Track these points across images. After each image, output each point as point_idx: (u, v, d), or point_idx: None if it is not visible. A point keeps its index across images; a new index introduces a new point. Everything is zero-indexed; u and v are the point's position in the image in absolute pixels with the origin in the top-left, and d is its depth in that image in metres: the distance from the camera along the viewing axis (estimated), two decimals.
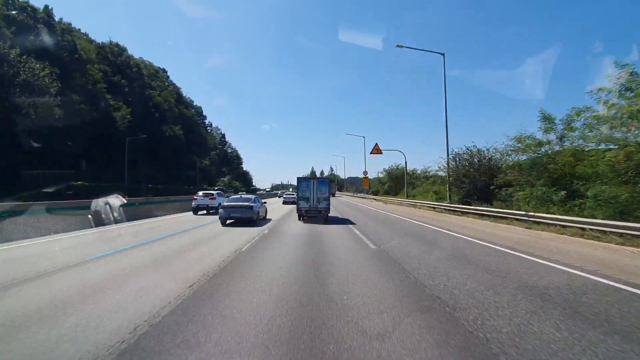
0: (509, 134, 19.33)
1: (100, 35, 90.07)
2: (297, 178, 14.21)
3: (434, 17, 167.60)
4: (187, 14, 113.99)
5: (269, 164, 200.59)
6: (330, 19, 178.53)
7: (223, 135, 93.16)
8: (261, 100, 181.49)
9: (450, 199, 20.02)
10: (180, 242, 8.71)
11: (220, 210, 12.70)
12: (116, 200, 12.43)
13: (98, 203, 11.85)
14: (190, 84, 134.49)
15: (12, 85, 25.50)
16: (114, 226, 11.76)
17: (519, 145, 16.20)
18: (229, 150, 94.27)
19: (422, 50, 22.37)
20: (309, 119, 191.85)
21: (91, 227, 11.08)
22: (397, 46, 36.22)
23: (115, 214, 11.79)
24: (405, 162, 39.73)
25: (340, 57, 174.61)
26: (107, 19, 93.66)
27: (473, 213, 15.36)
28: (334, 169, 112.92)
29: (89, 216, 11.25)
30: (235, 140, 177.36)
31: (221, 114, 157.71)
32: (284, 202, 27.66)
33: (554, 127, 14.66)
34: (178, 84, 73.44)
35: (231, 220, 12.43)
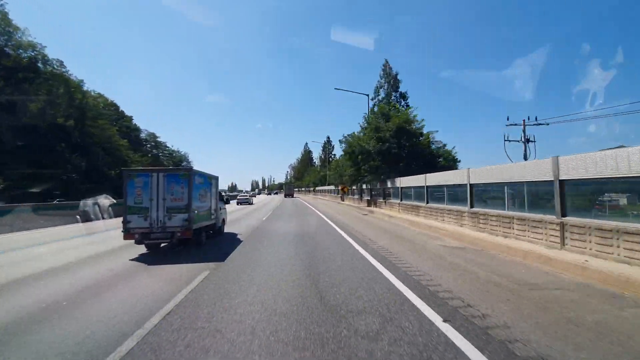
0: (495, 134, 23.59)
1: None
2: (123, 171, 7.55)
3: (425, 19, 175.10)
4: (190, 18, 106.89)
5: (262, 163, 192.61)
6: (323, 20, 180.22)
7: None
8: (254, 98, 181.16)
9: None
10: None
11: None
12: (105, 200, 14.30)
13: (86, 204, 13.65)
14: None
15: None
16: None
17: None
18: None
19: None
20: (302, 114, 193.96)
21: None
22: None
23: (105, 215, 13.60)
24: None
25: (335, 56, 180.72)
26: None
27: None
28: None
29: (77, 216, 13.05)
30: (230, 139, 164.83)
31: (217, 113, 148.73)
32: (238, 203, 33.52)
33: None
34: None
35: None
